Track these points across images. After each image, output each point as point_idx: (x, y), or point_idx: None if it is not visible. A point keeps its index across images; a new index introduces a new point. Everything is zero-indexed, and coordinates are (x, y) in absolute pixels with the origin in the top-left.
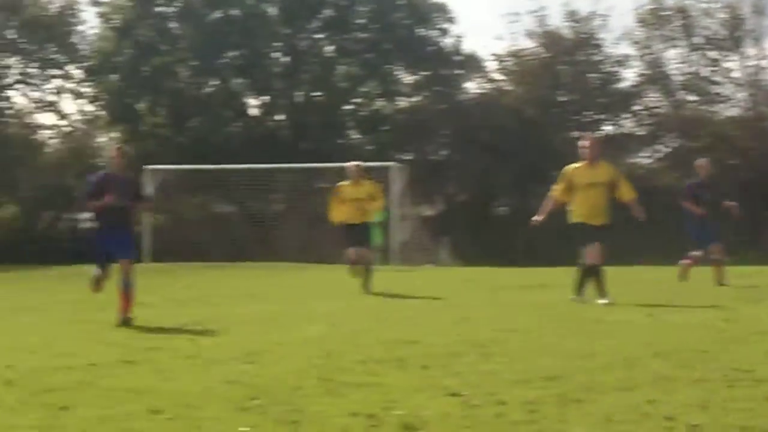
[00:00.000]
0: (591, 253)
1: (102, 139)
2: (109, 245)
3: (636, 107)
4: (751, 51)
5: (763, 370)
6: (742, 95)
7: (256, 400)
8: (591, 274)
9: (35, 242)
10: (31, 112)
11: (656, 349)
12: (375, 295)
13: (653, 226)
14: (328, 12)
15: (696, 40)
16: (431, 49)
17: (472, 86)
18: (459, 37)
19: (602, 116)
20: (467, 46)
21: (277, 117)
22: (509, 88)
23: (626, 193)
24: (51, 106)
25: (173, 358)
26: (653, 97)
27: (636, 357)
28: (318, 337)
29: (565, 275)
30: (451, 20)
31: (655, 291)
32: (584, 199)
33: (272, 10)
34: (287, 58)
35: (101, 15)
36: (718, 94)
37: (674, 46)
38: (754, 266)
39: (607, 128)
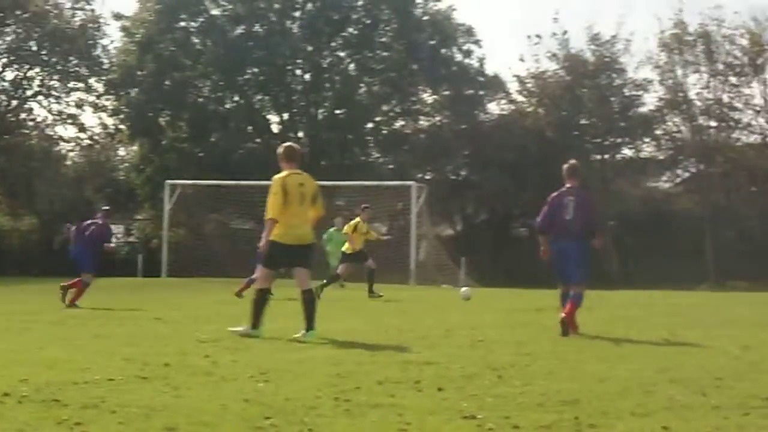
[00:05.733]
0: None
1: (122, 152)
2: None
3: (656, 132)
4: None
5: None
6: (761, 122)
7: (270, 419)
8: None
9: (54, 254)
10: (51, 124)
11: (673, 375)
12: (393, 315)
13: (670, 250)
14: (351, 30)
15: (717, 66)
16: (454, 69)
17: (494, 107)
18: (482, 58)
19: (622, 140)
20: (490, 68)
21: (297, 134)
22: (530, 109)
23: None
24: (72, 119)
25: (190, 375)
26: (674, 122)
27: (652, 382)
28: (335, 357)
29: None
30: (477, 42)
31: (673, 316)
32: None
33: (295, 27)
34: (309, 76)
35: (124, 29)
36: (738, 120)
37: (696, 71)
38: None
39: (628, 152)
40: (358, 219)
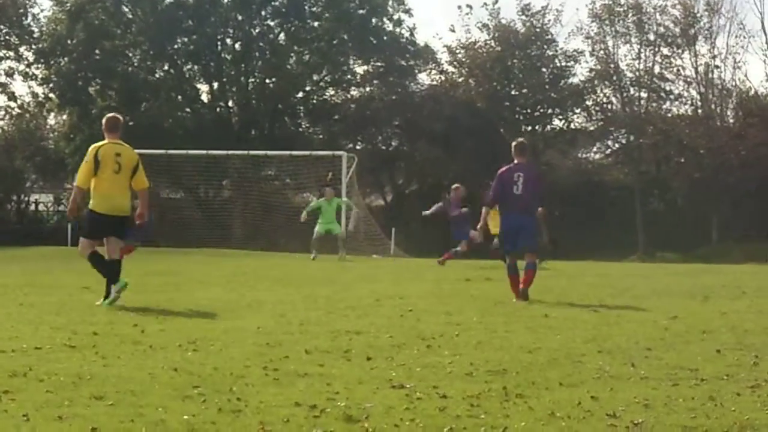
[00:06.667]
0: None
1: (52, 121)
2: None
3: (587, 102)
4: (703, 49)
5: (707, 369)
6: (693, 93)
7: (199, 388)
8: None
9: None
10: None
11: (601, 346)
12: (323, 285)
13: (600, 221)
14: None
15: (649, 36)
16: (385, 39)
17: (424, 78)
18: (413, 28)
19: (553, 111)
20: (420, 37)
21: (228, 103)
22: (461, 80)
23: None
24: (1, 88)
25: (118, 344)
26: (604, 93)
27: (581, 353)
28: (264, 326)
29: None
30: (407, 12)
31: (603, 286)
32: None
33: None
34: (239, 45)
35: None
36: (669, 91)
37: (627, 42)
38: (702, 264)
39: (558, 123)
40: None
